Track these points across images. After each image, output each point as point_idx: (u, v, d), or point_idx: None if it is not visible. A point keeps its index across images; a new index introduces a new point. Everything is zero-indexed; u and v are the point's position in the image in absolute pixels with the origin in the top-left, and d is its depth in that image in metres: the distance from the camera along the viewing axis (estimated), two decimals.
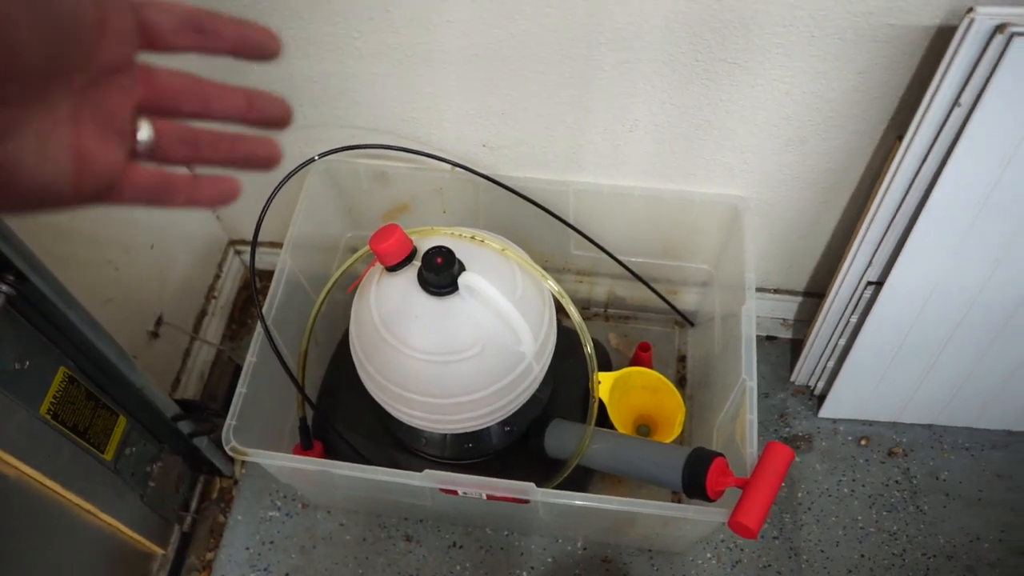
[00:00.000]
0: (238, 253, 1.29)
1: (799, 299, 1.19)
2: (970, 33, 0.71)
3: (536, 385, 0.87)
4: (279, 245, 0.98)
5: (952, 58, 0.74)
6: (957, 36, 0.72)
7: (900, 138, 0.83)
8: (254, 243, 0.88)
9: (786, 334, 1.26)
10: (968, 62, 0.73)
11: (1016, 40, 0.69)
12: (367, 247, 0.83)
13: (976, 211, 0.86)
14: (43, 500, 0.80)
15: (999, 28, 0.70)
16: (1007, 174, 0.81)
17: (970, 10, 0.70)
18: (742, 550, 1.08)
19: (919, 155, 0.83)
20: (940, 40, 0.76)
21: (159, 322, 1.08)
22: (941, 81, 0.76)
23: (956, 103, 0.77)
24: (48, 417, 0.77)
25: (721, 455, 0.82)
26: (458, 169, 1.00)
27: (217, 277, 1.24)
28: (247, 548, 1.09)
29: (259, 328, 0.90)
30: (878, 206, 0.90)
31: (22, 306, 0.73)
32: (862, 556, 1.08)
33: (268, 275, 0.97)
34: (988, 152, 0.80)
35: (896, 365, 1.07)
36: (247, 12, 0.85)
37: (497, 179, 1.00)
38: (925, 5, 0.74)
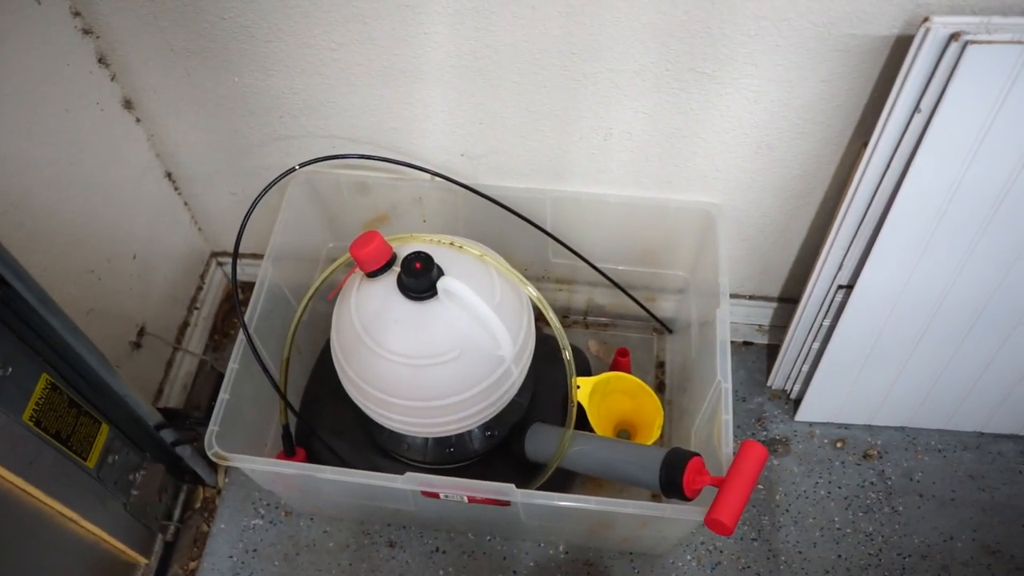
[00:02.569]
0: (220, 265, 1.30)
1: (774, 305, 1.22)
2: (927, 42, 0.74)
3: (515, 389, 0.89)
4: (260, 256, 1.00)
5: (911, 66, 0.76)
6: (914, 45, 0.75)
7: (865, 144, 0.86)
8: (236, 251, 0.89)
9: (762, 340, 1.28)
10: (926, 69, 0.76)
11: (970, 48, 0.72)
12: (347, 255, 0.85)
13: (939, 214, 0.88)
14: (25, 507, 0.81)
15: (953, 36, 0.73)
16: (967, 177, 0.84)
17: (926, 19, 0.73)
18: (721, 552, 1.10)
19: (883, 160, 0.86)
20: (899, 49, 0.79)
21: (141, 332, 1.09)
22: (901, 88, 0.78)
23: (916, 109, 0.79)
24: (31, 424, 0.78)
25: (697, 455, 0.83)
26: (437, 179, 1.02)
27: (199, 289, 1.25)
28: (230, 557, 1.09)
29: (241, 336, 0.91)
30: (846, 211, 0.92)
31: (3, 312, 0.73)
32: (839, 557, 1.09)
33: (250, 287, 0.98)
34: (949, 156, 0.82)
35: (869, 367, 1.10)
36: (227, 26, 0.87)
37: (476, 188, 1.01)
38: (883, 15, 0.76)
